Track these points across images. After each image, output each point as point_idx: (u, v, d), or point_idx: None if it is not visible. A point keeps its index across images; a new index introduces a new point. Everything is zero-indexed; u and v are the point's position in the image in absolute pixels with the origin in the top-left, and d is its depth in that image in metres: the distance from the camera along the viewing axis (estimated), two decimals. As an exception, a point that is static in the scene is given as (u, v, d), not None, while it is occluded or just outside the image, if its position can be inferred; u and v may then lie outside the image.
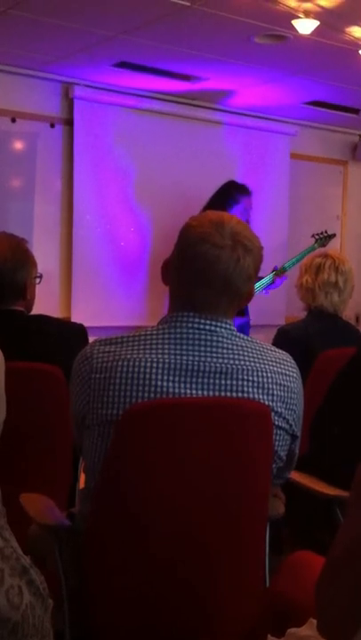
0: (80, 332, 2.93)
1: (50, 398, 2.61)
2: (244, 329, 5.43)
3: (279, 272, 5.61)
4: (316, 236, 5.86)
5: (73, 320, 5.16)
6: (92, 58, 5.30)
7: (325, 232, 5.91)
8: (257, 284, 5.42)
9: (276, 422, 1.99)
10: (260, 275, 5.30)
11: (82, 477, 2.63)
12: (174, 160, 6.23)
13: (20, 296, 2.83)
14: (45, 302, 3.62)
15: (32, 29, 4.72)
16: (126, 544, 1.89)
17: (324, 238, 5.85)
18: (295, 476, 2.48)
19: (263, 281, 5.56)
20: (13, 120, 5.66)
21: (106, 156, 6.03)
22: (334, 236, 5.98)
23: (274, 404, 1.98)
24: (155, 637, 1.89)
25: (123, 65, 5.43)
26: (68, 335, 2.87)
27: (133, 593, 1.89)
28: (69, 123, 5.93)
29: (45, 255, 5.34)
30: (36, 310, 2.97)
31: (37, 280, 2.91)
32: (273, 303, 6.17)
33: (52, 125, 5.88)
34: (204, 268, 1.93)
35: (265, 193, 6.51)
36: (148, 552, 1.89)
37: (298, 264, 4.59)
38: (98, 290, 5.93)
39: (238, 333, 2.01)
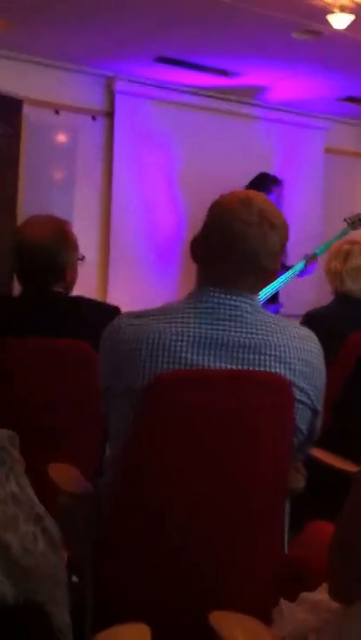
0: (115, 314, 2.98)
1: (82, 374, 2.67)
2: None
3: (311, 258, 5.58)
4: (348, 220, 5.73)
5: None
6: (133, 52, 5.40)
7: (358, 215, 5.79)
8: (289, 272, 5.44)
9: (298, 396, 2.02)
10: (291, 263, 5.32)
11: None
12: (211, 154, 6.31)
13: (60, 277, 2.86)
14: (83, 287, 3.69)
15: (76, 24, 4.83)
16: (145, 512, 1.93)
17: (356, 222, 5.72)
18: (317, 452, 2.52)
19: (295, 268, 5.54)
20: (57, 112, 5.76)
21: (145, 149, 6.14)
22: None
23: (295, 378, 2.01)
24: (172, 603, 1.92)
25: (163, 60, 5.53)
26: (103, 316, 2.92)
27: (151, 561, 1.93)
28: (110, 115, 6.04)
29: (83, 244, 5.42)
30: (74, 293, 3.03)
31: (79, 261, 2.96)
32: (304, 292, 6.21)
33: (94, 118, 5.99)
34: (230, 244, 1.98)
35: (299, 186, 6.57)
36: (166, 521, 1.93)
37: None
38: (134, 277, 6.05)
39: (262, 309, 2.06)
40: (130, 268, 6.07)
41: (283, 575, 1.94)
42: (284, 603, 1.54)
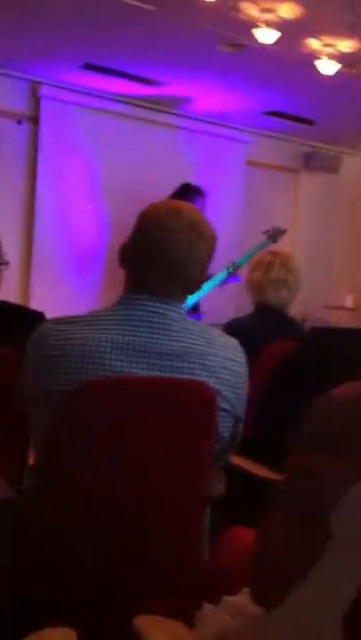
0: (40, 320, 2.97)
1: (4, 380, 2.66)
2: None
3: (233, 269, 5.63)
4: (268, 233, 5.76)
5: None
6: (60, 58, 5.40)
7: (277, 228, 5.86)
8: (210, 282, 5.49)
9: (221, 404, 2.06)
10: (211, 273, 5.36)
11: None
12: (135, 161, 6.35)
13: None
14: (4, 292, 3.66)
15: (4, 27, 4.78)
16: (65, 519, 1.91)
17: (275, 234, 5.79)
18: (237, 459, 2.56)
19: (217, 278, 5.58)
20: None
21: (69, 155, 6.15)
22: (285, 231, 5.84)
23: (220, 386, 2.04)
24: (95, 608, 1.90)
25: (89, 67, 5.53)
26: (28, 322, 2.90)
27: (73, 566, 1.91)
28: (36, 121, 6.01)
29: (5, 249, 5.39)
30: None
31: (3, 267, 2.94)
32: (224, 302, 6.27)
33: (19, 122, 5.95)
34: (158, 252, 2.01)
35: (221, 197, 6.64)
36: (86, 527, 1.91)
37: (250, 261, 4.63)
38: (56, 282, 6.04)
39: (188, 317, 2.09)
40: (52, 274, 6.06)
41: (205, 580, 1.95)
42: (206, 606, 1.56)
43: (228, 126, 6.87)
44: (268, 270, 3.66)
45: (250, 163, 7.11)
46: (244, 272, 4.57)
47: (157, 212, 2.07)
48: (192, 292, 2.12)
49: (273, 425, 2.78)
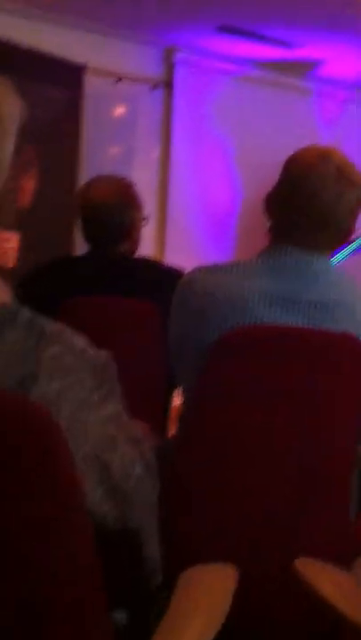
0: (180, 277, 2.95)
1: (145, 332, 2.68)
2: None
3: None
4: None
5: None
6: (193, 21, 5.35)
7: None
8: (349, 247, 5.31)
9: None
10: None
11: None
12: (267, 127, 6.26)
13: (126, 236, 2.85)
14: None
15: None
16: (211, 474, 1.91)
17: None
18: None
19: (355, 243, 5.38)
20: (118, 80, 5.71)
21: (202, 120, 6.11)
22: None
23: None
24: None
25: (223, 29, 5.46)
26: (168, 278, 2.90)
27: (215, 525, 1.90)
28: (170, 86, 6.01)
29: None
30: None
31: (144, 222, 2.94)
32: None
33: (154, 88, 5.96)
34: (305, 200, 1.96)
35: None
36: (231, 482, 1.91)
37: None
38: (190, 248, 6.02)
39: (335, 269, 2.04)
40: (186, 240, 6.05)
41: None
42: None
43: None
44: None
45: None
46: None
47: (304, 157, 2.02)
48: (341, 242, 2.07)
49: None
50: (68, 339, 1.11)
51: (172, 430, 2.70)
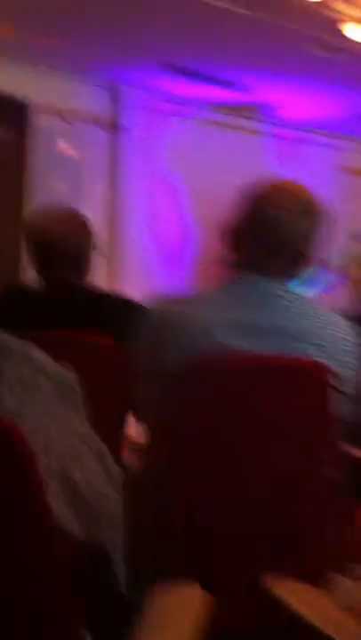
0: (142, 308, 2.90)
1: (106, 367, 2.65)
2: None
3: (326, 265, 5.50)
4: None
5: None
6: (141, 62, 5.40)
7: None
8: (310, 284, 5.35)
9: (341, 388, 2.00)
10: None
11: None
12: (221, 168, 6.32)
13: (77, 264, 2.81)
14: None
15: (83, 30, 4.81)
16: (180, 493, 1.90)
17: None
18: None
19: (316, 281, 5.42)
20: (64, 117, 5.73)
21: (154, 161, 6.16)
22: None
23: (338, 368, 1.98)
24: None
25: (172, 71, 5.53)
26: (129, 312, 2.86)
27: (186, 544, 1.89)
28: (116, 125, 6.06)
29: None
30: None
31: (95, 250, 2.90)
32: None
33: (101, 126, 5.99)
34: (265, 230, 2.01)
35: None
36: (203, 503, 1.90)
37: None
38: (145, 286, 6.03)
39: (301, 295, 2.05)
40: (141, 278, 6.06)
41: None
42: (337, 576, 1.50)
43: (317, 131, 6.78)
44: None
45: (341, 168, 7.00)
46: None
47: (263, 189, 2.07)
48: (304, 270, 2.09)
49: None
50: (29, 353, 1.13)
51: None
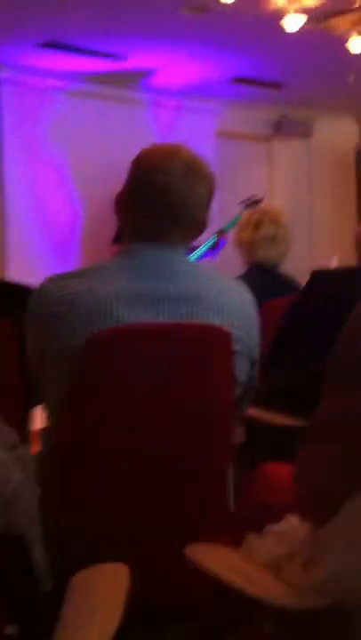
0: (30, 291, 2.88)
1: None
2: None
3: (220, 233, 5.58)
4: (244, 202, 5.54)
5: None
6: (16, 37, 5.29)
7: (253, 197, 5.78)
8: (200, 248, 5.41)
9: (237, 348, 2.00)
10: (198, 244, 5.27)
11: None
12: (102, 140, 6.29)
13: None
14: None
15: None
16: (89, 474, 1.89)
17: (251, 204, 5.69)
18: (254, 412, 2.50)
19: (207, 244, 5.49)
20: None
21: (35, 139, 6.07)
22: (262, 200, 5.66)
23: (233, 329, 1.98)
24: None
25: (48, 45, 5.45)
26: (19, 294, 2.83)
27: (101, 524, 1.87)
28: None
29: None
30: None
31: None
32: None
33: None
34: (156, 198, 1.96)
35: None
36: (110, 482, 1.89)
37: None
38: (33, 269, 5.96)
39: (192, 261, 2.05)
40: (29, 260, 5.97)
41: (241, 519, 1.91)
42: (251, 537, 1.52)
43: (195, 97, 6.79)
44: (258, 228, 3.61)
45: (220, 133, 7.04)
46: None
47: (151, 155, 2.02)
48: (196, 236, 2.08)
49: (293, 370, 2.72)
50: None
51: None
